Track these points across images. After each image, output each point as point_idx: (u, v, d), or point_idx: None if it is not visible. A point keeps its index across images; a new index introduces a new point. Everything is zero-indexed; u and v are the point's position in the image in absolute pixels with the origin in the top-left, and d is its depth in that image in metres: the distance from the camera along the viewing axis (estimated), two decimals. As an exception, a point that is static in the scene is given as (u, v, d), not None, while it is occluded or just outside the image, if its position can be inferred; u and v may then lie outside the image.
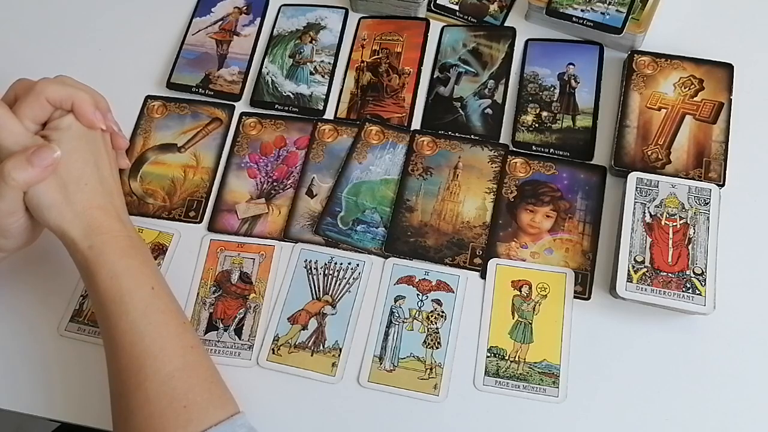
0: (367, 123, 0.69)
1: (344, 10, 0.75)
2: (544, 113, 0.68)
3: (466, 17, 0.74)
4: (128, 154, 0.68)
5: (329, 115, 0.71)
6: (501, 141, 0.68)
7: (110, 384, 0.54)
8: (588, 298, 0.61)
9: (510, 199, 0.65)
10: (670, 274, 0.58)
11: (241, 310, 0.62)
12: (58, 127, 0.56)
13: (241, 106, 0.72)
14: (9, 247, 0.56)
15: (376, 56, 0.73)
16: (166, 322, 0.54)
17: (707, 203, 0.60)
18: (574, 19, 0.68)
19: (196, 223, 0.67)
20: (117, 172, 0.61)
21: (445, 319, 0.61)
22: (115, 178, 0.59)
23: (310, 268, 0.63)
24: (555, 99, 0.68)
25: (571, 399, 0.57)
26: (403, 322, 0.61)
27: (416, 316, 0.61)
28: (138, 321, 0.52)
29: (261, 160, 0.69)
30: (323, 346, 0.60)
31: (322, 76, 0.72)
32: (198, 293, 0.63)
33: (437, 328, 0.60)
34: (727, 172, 0.62)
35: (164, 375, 0.51)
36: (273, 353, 0.60)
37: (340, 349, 0.60)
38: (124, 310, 0.52)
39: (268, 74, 0.73)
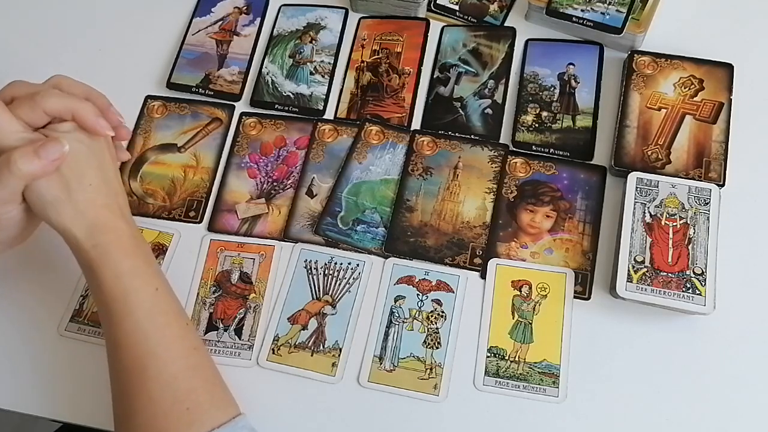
0: (367, 123, 0.69)
1: (344, 10, 0.75)
2: (544, 113, 0.68)
3: (466, 17, 0.74)
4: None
5: (329, 115, 0.71)
6: (501, 141, 0.68)
7: (112, 384, 0.54)
8: (588, 298, 0.61)
9: (510, 199, 0.65)
10: (670, 274, 0.58)
11: (241, 310, 0.62)
12: (58, 130, 0.55)
13: (241, 106, 0.72)
14: None
15: (376, 56, 0.73)
16: (170, 323, 0.54)
17: (707, 203, 0.60)
18: (574, 19, 0.68)
19: (196, 223, 0.67)
20: (119, 173, 0.60)
21: (445, 319, 0.61)
22: (118, 178, 0.59)
23: (310, 268, 0.63)
24: (555, 99, 0.68)
25: (571, 399, 0.57)
26: (403, 322, 0.61)
27: (416, 316, 0.61)
28: (142, 321, 0.52)
29: (261, 160, 0.69)
30: (323, 346, 0.60)
31: (322, 76, 0.72)
32: (198, 293, 0.63)
33: (437, 328, 0.60)
34: (727, 172, 0.62)
35: (168, 376, 0.51)
36: (273, 353, 0.60)
37: (340, 349, 0.60)
38: (128, 310, 0.52)
39: (268, 74, 0.73)
